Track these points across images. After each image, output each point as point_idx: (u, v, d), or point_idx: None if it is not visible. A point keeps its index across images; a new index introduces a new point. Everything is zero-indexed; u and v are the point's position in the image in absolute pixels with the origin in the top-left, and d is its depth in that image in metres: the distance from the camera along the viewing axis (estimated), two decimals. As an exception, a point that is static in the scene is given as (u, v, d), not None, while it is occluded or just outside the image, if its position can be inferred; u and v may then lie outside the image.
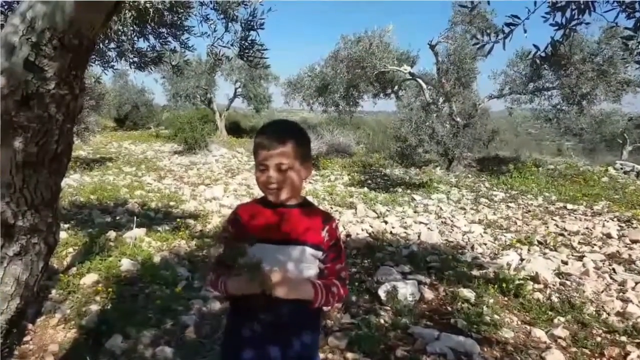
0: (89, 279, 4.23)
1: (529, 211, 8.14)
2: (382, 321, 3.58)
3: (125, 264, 4.62)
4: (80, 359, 2.84)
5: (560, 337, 3.34)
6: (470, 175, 11.84)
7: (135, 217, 6.34)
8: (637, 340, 3.27)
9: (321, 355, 3.05)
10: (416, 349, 3.13)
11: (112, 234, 5.64)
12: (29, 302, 1.49)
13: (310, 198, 7.62)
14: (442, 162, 12.09)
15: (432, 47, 11.32)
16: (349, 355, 3.05)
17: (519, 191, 10.02)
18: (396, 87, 13.77)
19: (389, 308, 3.82)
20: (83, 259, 4.66)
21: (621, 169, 12.12)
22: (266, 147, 1.42)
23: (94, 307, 3.66)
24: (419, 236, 6.17)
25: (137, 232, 5.76)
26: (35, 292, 1.48)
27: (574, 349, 3.20)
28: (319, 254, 1.50)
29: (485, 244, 5.92)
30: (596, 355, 3.13)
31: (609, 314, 3.73)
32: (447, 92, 10.09)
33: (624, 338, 3.33)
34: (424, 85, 11.78)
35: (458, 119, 10.87)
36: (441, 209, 8.19)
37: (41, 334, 3.28)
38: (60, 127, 1.28)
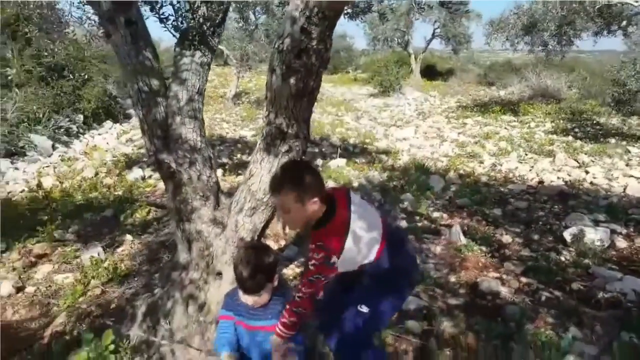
0: (306, 193, 5.34)
1: None
2: (562, 259, 3.71)
3: (330, 184, 5.61)
4: (304, 244, 3.86)
5: None
6: None
7: (338, 149, 7.39)
8: None
9: (495, 275, 3.44)
10: (594, 285, 3.23)
11: (319, 160, 6.76)
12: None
13: (503, 143, 7.51)
14: (676, 112, 10.03)
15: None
16: (523, 279, 3.36)
17: None
18: (624, 23, 11.54)
19: (572, 249, 3.89)
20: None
21: None
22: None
23: (311, 213, 4.71)
24: (624, 189, 5.66)
25: (339, 161, 6.77)
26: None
27: None
28: None
29: None
30: None
31: None
32: None
33: None
34: (663, 20, 9.70)
35: None
36: (661, 163, 7.11)
37: (274, 228, 4.41)
38: (316, 71, 1.94)
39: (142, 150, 8.18)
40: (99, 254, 3.72)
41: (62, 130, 8.82)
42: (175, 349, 2.32)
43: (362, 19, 4.65)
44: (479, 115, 12.81)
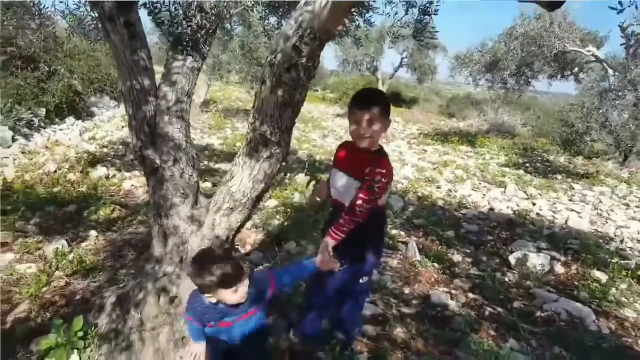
0: (271, 203, 5.48)
1: None
2: (506, 279, 4.03)
3: (297, 197, 5.79)
4: (268, 250, 3.99)
5: (687, 328, 3.39)
6: (648, 173, 10.61)
7: (306, 164, 7.60)
8: None
9: (444, 289, 3.70)
10: (533, 305, 3.55)
11: (287, 174, 6.94)
12: (268, 188, 2.47)
13: (459, 172, 8.02)
14: (617, 156, 10.99)
15: (622, 29, 10.10)
16: (470, 295, 3.64)
17: None
18: (577, 69, 12.63)
19: (516, 272, 4.22)
20: (267, 189, 6.02)
21: None
22: (360, 108, 2.13)
23: (276, 222, 4.86)
24: (566, 221, 6.17)
25: (306, 177, 6.97)
26: (271, 182, 2.45)
27: (698, 339, 3.26)
28: (358, 183, 2.17)
29: (639, 240, 5.65)
30: None
31: None
32: (631, 79, 9.12)
33: None
34: (610, 71, 10.67)
35: (643, 110, 9.74)
36: (600, 201, 7.77)
37: (240, 233, 4.55)
38: (303, 84, 2.14)
39: (106, 150, 8.09)
40: (62, 247, 3.71)
41: (23, 122, 8.58)
42: (145, 338, 2.40)
43: (338, 41, 4.92)
44: (438, 144, 13.42)
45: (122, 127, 10.78)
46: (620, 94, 9.89)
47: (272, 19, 3.80)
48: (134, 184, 6.09)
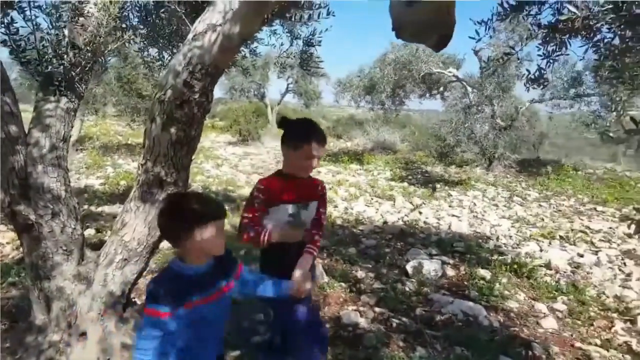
0: (167, 243, 5.16)
1: (559, 210, 8.52)
2: (407, 289, 4.26)
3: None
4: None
5: (558, 310, 3.94)
6: (508, 176, 12.19)
7: (200, 197, 7.33)
8: (625, 317, 3.79)
9: (353, 307, 3.80)
10: (433, 310, 3.80)
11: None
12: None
13: (353, 189, 8.39)
14: (483, 162, 12.47)
15: (476, 52, 11.75)
16: (377, 309, 3.77)
17: (554, 192, 10.38)
18: (442, 89, 14.21)
19: (414, 280, 4.49)
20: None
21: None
22: (321, 144, 2.19)
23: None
24: (449, 226, 6.77)
25: (202, 209, 6.71)
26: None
27: (568, 320, 3.79)
28: (317, 203, 2.32)
29: (510, 237, 6.44)
30: (586, 325, 3.71)
31: (607, 297, 4.25)
32: (488, 95, 10.59)
33: (614, 314, 3.86)
34: (469, 88, 12.18)
35: (498, 121, 11.27)
36: (475, 204, 8.69)
37: (137, 284, 4.19)
38: (198, 120, 2.08)
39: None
40: None
41: None
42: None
43: (224, 71, 4.88)
44: (330, 164, 13.89)
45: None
46: (479, 108, 11.33)
47: (152, 51, 3.63)
48: (0, 240, 5.30)
